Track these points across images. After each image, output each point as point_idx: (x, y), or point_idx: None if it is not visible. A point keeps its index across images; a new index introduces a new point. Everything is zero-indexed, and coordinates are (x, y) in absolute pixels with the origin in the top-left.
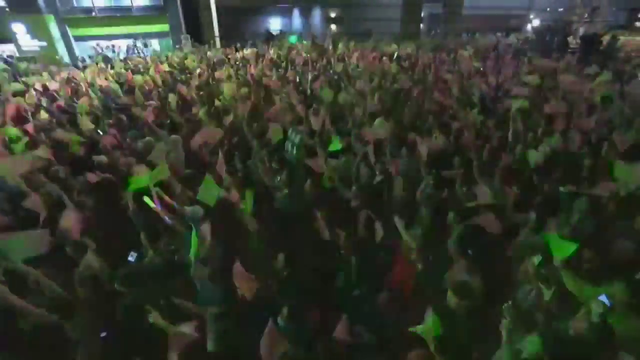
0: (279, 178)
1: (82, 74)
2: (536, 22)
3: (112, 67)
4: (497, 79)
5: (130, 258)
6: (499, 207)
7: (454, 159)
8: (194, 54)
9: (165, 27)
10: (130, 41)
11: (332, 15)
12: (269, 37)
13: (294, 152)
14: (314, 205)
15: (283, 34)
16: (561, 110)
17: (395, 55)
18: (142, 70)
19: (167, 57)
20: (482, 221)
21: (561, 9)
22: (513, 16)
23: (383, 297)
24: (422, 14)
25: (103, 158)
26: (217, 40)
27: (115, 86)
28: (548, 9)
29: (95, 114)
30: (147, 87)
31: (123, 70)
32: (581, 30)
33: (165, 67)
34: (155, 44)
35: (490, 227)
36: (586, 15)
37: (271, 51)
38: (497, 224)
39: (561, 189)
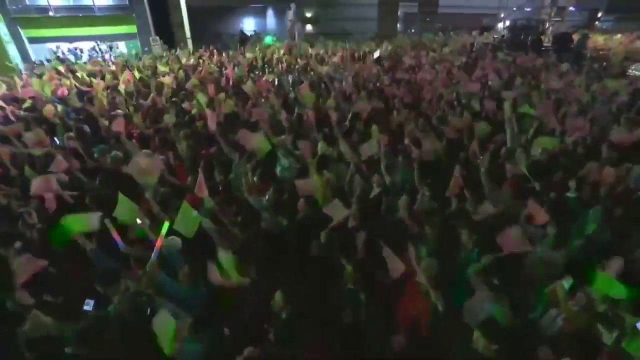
0: (266, 197)
1: (35, 81)
2: (508, 21)
3: (73, 73)
4: (485, 79)
5: (86, 307)
6: (511, 220)
7: (453, 166)
8: (165, 58)
9: (132, 29)
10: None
11: (308, 15)
12: (243, 38)
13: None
14: (309, 227)
15: (258, 34)
16: (553, 111)
17: (378, 56)
18: (106, 75)
19: (136, 60)
20: (506, 244)
21: (529, 9)
22: (484, 15)
23: (399, 340)
24: (398, 13)
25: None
26: (189, 42)
27: (75, 94)
28: (516, 9)
29: (51, 125)
30: (112, 96)
31: (85, 76)
32: (550, 30)
33: (134, 73)
34: (122, 46)
35: (515, 246)
36: (552, 15)
37: (248, 54)
38: (525, 243)
39: (570, 195)
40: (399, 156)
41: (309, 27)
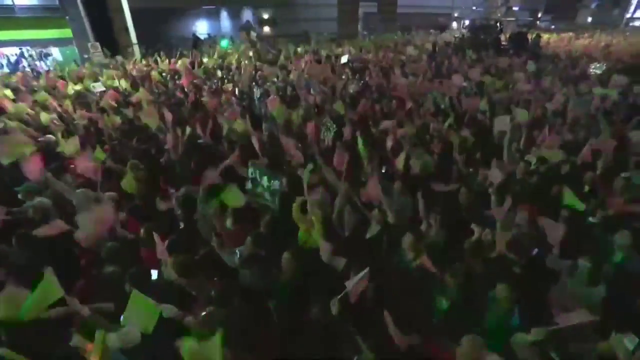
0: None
1: None
2: (467, 21)
3: None
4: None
5: None
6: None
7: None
8: (107, 67)
9: (66, 33)
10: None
11: (265, 16)
12: (196, 42)
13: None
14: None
15: (212, 38)
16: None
17: (346, 60)
18: (33, 89)
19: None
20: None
21: (481, 9)
22: (440, 14)
23: None
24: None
25: None
26: (136, 48)
27: None
28: (474, 8)
29: None
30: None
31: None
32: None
33: (70, 87)
34: (57, 53)
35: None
36: (499, 15)
37: (204, 59)
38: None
39: (591, 220)
40: (394, 180)
41: (266, 29)
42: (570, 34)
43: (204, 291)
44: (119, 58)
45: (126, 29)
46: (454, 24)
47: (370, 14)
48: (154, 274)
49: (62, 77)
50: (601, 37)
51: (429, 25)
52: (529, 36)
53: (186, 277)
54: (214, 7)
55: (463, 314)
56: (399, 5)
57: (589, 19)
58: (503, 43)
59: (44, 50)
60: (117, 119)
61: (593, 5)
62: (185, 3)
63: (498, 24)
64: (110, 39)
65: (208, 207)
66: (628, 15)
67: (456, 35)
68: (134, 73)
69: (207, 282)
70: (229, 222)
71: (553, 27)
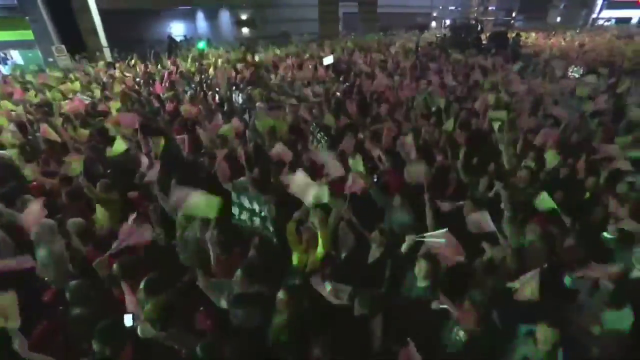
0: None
1: None
2: (447, 21)
3: None
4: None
5: None
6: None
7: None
8: (74, 72)
9: (27, 35)
10: None
11: (243, 17)
12: (172, 45)
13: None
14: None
15: (189, 40)
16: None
17: (330, 62)
18: None
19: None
20: None
21: (459, 8)
22: (419, 14)
23: None
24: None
25: None
26: (106, 51)
27: None
28: (451, 8)
29: None
30: None
31: None
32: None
33: (32, 95)
34: (18, 56)
35: None
36: (476, 15)
37: (182, 63)
38: None
39: (606, 235)
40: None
41: (245, 30)
42: (551, 33)
43: (189, 345)
44: (87, 62)
45: (94, 31)
46: (433, 24)
47: (350, 14)
48: (129, 320)
49: (22, 83)
50: (573, 36)
51: (409, 25)
52: (509, 35)
53: (165, 330)
54: (189, 7)
55: (485, 349)
56: (379, 5)
57: (558, 19)
58: (484, 42)
59: (1, 54)
60: (85, 131)
61: (562, 6)
62: (159, 4)
63: (479, 24)
64: (77, 41)
65: (189, 231)
66: (594, 16)
67: (438, 35)
68: (105, 79)
69: (190, 336)
70: (214, 250)
71: (525, 26)
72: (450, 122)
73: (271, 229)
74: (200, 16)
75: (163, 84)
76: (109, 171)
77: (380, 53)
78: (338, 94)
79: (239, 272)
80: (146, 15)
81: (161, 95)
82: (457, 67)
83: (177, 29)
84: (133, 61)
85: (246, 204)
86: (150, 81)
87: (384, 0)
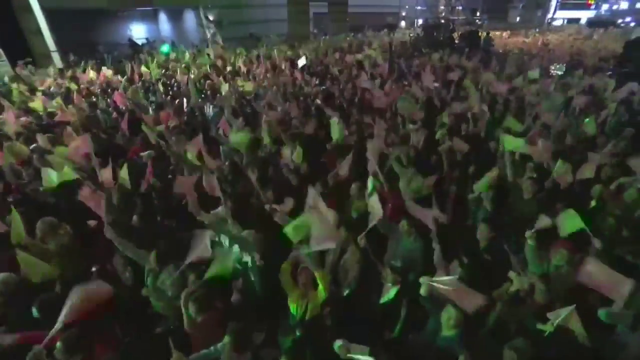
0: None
1: None
2: (419, 20)
3: None
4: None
5: None
6: None
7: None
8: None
9: None
10: None
11: (210, 18)
12: (133, 48)
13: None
14: None
15: (151, 43)
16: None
17: (304, 64)
18: None
19: None
20: None
21: (424, 7)
22: (388, 13)
23: None
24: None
25: None
26: (55, 56)
27: None
28: (417, 8)
29: None
30: None
31: None
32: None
33: None
34: None
35: None
36: (444, 14)
37: (142, 68)
38: None
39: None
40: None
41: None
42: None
43: None
44: (32, 69)
45: (39, 33)
46: (403, 23)
47: (320, 14)
48: None
49: None
50: (535, 34)
51: (379, 25)
52: (480, 34)
53: None
54: (150, 8)
55: None
56: (350, 4)
57: (518, 19)
58: (456, 42)
59: None
60: (25, 151)
61: (520, 7)
62: (115, 3)
63: (450, 24)
64: (19, 45)
65: (162, 283)
66: (549, 16)
67: (412, 35)
68: (52, 89)
69: None
70: (193, 309)
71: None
72: (443, 131)
73: (257, 276)
74: (163, 18)
75: (122, 95)
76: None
77: (355, 54)
78: (318, 101)
79: (226, 340)
80: (102, 16)
81: (121, 107)
82: (437, 70)
83: (138, 31)
84: (88, 67)
85: (227, 243)
86: (109, 90)
87: (353, 0)
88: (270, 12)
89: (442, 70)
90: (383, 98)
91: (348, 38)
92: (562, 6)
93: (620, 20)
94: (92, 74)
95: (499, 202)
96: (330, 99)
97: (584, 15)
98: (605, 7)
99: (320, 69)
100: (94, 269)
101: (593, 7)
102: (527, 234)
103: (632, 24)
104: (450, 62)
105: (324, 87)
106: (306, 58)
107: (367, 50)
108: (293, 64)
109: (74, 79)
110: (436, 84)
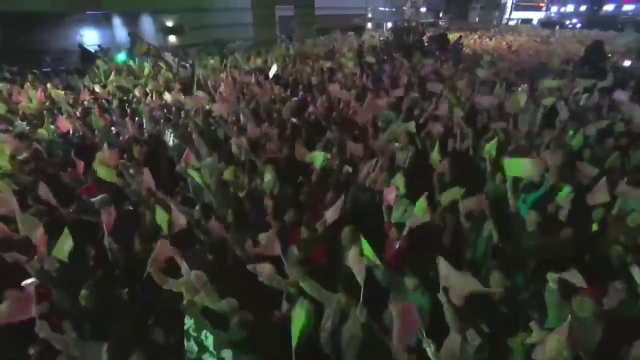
0: None
1: None
2: (388, 24)
3: None
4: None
5: None
6: None
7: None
8: None
9: None
10: None
11: (169, 24)
12: (85, 56)
13: None
14: None
15: (105, 50)
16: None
17: (275, 72)
18: None
19: None
20: None
21: (393, 9)
22: (355, 15)
23: None
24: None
25: None
26: None
27: None
28: (380, 8)
29: None
30: None
31: None
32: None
33: None
34: None
35: None
36: (408, 16)
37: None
38: None
39: None
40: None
41: (172, 38)
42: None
43: None
44: None
45: None
46: (369, 25)
47: (286, 17)
48: None
49: None
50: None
51: (346, 26)
52: (449, 37)
53: None
54: (102, 12)
55: None
56: (316, 7)
57: (477, 19)
58: (426, 44)
59: None
60: None
61: (479, 7)
62: (62, 5)
63: (420, 26)
64: None
65: None
66: (506, 16)
67: (381, 39)
68: None
69: None
70: None
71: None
72: (436, 153)
73: None
74: (117, 22)
75: (69, 119)
76: None
77: (326, 60)
78: (294, 120)
79: None
80: (46, 21)
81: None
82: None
83: (89, 37)
84: (27, 84)
85: (208, 343)
86: (55, 110)
87: (319, 2)
88: (235, 16)
89: (419, 79)
90: (362, 113)
91: (318, 42)
92: (517, 7)
93: (567, 22)
94: (31, 92)
95: (499, 234)
96: (303, 113)
97: (536, 16)
98: (554, 9)
99: (293, 77)
100: None
101: (544, 9)
102: (550, 276)
103: (578, 25)
104: (425, 70)
105: (296, 98)
106: (277, 67)
107: (340, 58)
108: (260, 73)
109: (8, 97)
110: (415, 95)
